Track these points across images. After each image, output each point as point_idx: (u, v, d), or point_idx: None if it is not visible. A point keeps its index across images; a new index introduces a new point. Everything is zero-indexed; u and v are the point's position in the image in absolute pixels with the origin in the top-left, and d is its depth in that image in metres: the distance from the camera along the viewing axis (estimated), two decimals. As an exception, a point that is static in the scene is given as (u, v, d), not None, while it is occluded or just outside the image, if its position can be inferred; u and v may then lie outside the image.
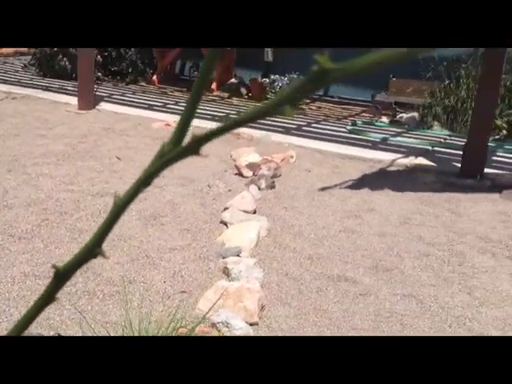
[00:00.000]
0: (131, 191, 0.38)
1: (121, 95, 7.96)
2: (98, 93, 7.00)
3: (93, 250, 0.40)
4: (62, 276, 0.41)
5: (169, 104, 7.47)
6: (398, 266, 2.86)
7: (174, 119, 6.20)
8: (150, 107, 7.06)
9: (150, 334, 1.73)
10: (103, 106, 6.78)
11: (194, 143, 0.36)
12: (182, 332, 1.75)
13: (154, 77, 9.45)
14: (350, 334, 2.18)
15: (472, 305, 2.49)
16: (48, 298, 0.43)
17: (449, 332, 2.24)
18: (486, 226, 3.52)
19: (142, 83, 9.46)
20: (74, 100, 6.68)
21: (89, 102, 6.53)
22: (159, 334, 1.73)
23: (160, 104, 7.38)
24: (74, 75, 8.64)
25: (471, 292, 2.61)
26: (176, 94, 8.72)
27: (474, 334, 2.23)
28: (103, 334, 1.84)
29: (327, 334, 2.17)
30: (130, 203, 0.39)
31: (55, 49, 8.92)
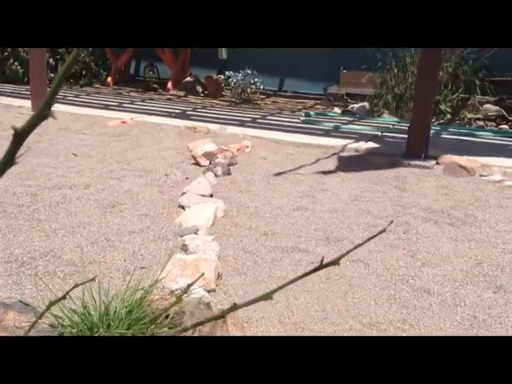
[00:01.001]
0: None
1: (75, 97, 7.93)
2: (51, 94, 6.96)
3: (44, 111, 0.51)
4: (19, 136, 0.52)
5: (124, 103, 7.50)
6: (348, 236, 3.04)
7: (130, 117, 6.25)
8: (106, 107, 7.07)
9: (110, 304, 1.81)
10: (58, 107, 6.74)
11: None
12: (138, 298, 1.85)
13: (109, 78, 9.43)
14: (302, 296, 2.32)
15: (415, 265, 2.68)
16: (9, 158, 0.54)
17: (393, 289, 2.42)
18: (429, 198, 3.75)
19: (97, 85, 9.43)
20: (27, 103, 6.62)
21: (42, 103, 6.50)
22: (118, 302, 1.82)
23: (115, 103, 7.40)
24: (25, 79, 8.54)
25: (414, 255, 2.81)
26: (132, 94, 8.73)
27: (415, 290, 2.41)
28: (65, 308, 1.91)
29: (280, 298, 2.30)
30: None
31: (5, 53, 8.78)
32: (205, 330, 1.39)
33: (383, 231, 0.83)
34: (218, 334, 1.33)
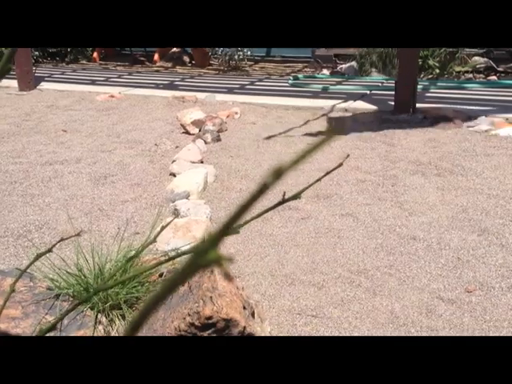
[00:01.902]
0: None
1: (61, 74, 7.87)
2: (37, 74, 6.91)
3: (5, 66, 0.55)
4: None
5: (112, 78, 7.44)
6: (337, 192, 3.09)
7: (118, 91, 6.22)
8: (93, 82, 7.03)
9: (104, 266, 1.88)
10: (44, 85, 6.72)
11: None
12: (131, 257, 1.91)
13: (95, 54, 9.33)
14: (292, 250, 2.39)
15: (402, 215, 2.75)
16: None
17: (380, 238, 2.49)
18: (417, 152, 3.79)
19: (83, 61, 9.34)
20: (14, 83, 6.58)
21: (28, 82, 6.46)
22: (112, 264, 1.89)
23: (103, 78, 7.35)
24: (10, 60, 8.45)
25: (401, 205, 2.87)
26: (119, 68, 8.66)
27: (402, 238, 2.48)
28: (61, 272, 1.97)
29: (271, 252, 2.37)
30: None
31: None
32: (194, 280, 1.45)
33: (340, 165, 0.88)
34: (205, 285, 1.39)
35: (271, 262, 2.29)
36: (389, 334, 1.79)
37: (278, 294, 2.04)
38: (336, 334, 1.79)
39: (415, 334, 1.79)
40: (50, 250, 1.00)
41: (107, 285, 1.46)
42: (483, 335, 1.76)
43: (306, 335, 1.77)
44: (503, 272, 2.16)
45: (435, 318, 1.87)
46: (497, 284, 2.07)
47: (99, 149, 4.01)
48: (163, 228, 0.89)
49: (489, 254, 2.30)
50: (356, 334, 1.79)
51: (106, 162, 3.69)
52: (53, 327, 0.74)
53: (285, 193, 0.88)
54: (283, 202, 0.87)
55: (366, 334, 1.79)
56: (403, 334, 1.79)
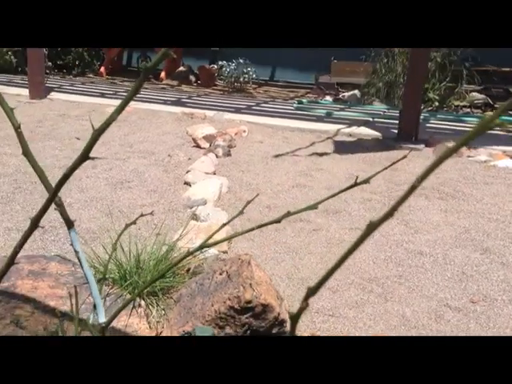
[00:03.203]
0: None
1: (70, 86, 8.04)
2: (47, 84, 7.06)
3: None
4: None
5: (119, 92, 7.62)
6: (346, 209, 3.24)
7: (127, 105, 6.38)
8: (102, 95, 7.20)
9: (140, 257, 2.00)
10: (54, 95, 6.87)
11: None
12: (164, 252, 2.04)
13: (102, 68, 9.52)
14: (306, 257, 2.53)
15: (408, 232, 2.90)
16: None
17: (389, 251, 2.63)
18: (420, 176, 3.97)
19: (90, 75, 9.52)
20: (24, 91, 6.73)
21: (40, 91, 6.60)
22: (145, 256, 2.01)
23: (111, 92, 7.52)
24: (19, 69, 8.63)
25: (407, 224, 3.02)
26: (126, 83, 8.85)
27: (409, 252, 2.63)
28: (97, 262, 2.08)
29: (286, 258, 2.50)
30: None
31: (-1, 43, 8.84)
32: (233, 269, 1.57)
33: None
34: (244, 273, 1.52)
35: (287, 266, 2.42)
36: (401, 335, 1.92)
37: (296, 294, 2.17)
38: (352, 332, 1.92)
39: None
40: (134, 222, 1.14)
41: (153, 278, 1.58)
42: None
43: (325, 331, 1.89)
44: (504, 287, 2.31)
45: (444, 323, 2.00)
46: (499, 297, 2.22)
47: (113, 157, 4.14)
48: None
49: (491, 271, 2.45)
50: (371, 334, 1.92)
51: (121, 168, 3.82)
52: (113, 319, 0.84)
53: (357, 177, 1.02)
54: (355, 185, 1.02)
55: (380, 334, 1.92)
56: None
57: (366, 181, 0.99)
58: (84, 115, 5.84)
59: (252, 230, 0.97)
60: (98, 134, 0.63)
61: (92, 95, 7.14)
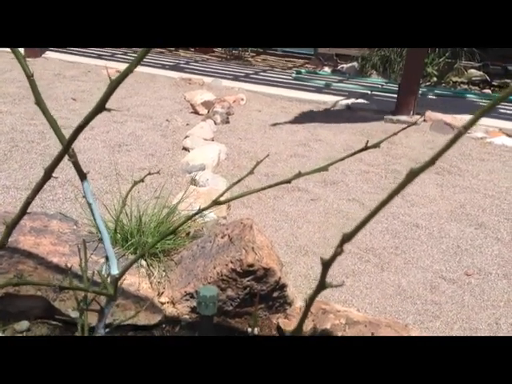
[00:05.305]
0: None
1: (65, 46, 7.89)
2: (42, 42, 6.92)
3: None
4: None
5: (117, 54, 7.49)
6: (343, 180, 3.26)
7: (124, 67, 6.28)
8: (99, 56, 7.07)
9: (141, 218, 2.00)
10: (50, 54, 6.74)
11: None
12: (165, 215, 2.04)
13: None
14: (304, 226, 2.55)
15: (405, 205, 2.93)
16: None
17: (385, 223, 2.66)
18: (416, 151, 3.98)
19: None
20: (19, 50, 6.58)
21: (35, 50, 6.48)
22: (146, 218, 2.01)
23: (109, 54, 7.39)
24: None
25: (404, 197, 3.05)
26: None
27: (406, 225, 2.66)
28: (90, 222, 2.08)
29: (285, 226, 2.52)
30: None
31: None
32: (235, 233, 1.59)
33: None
34: (247, 237, 1.53)
35: (285, 234, 2.44)
36: (396, 304, 1.96)
37: (294, 261, 2.20)
38: (349, 300, 1.95)
39: (420, 306, 1.96)
40: (142, 180, 1.13)
41: (155, 240, 1.59)
42: (484, 335, 1.94)
43: (322, 298, 1.93)
44: (499, 261, 2.35)
45: (439, 294, 2.04)
46: (493, 271, 2.26)
47: (110, 119, 4.10)
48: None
49: (485, 245, 2.49)
50: (367, 301, 1.95)
51: (118, 131, 3.79)
52: (125, 271, 0.85)
53: (368, 141, 1.02)
54: (366, 148, 1.02)
55: (375, 302, 1.96)
56: (409, 306, 1.96)
57: (377, 145, 0.99)
58: (80, 76, 5.74)
59: (263, 189, 0.97)
60: (115, 84, 0.62)
61: (89, 56, 7.01)
